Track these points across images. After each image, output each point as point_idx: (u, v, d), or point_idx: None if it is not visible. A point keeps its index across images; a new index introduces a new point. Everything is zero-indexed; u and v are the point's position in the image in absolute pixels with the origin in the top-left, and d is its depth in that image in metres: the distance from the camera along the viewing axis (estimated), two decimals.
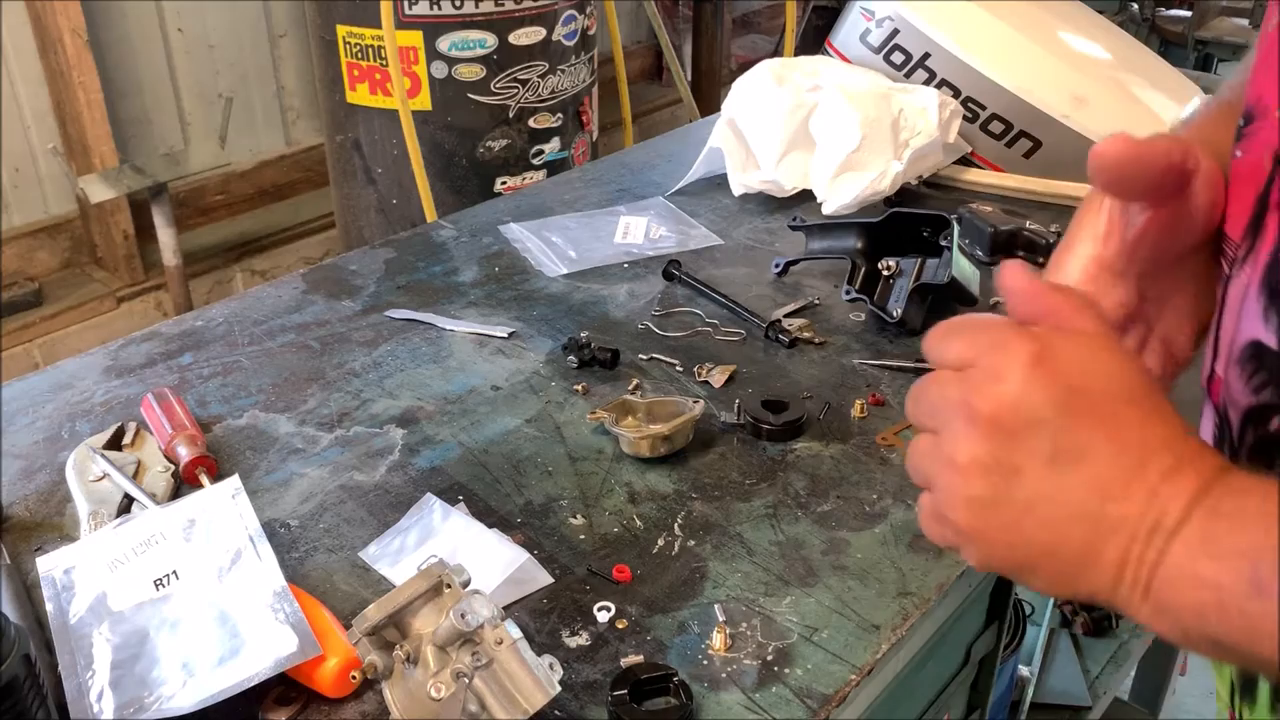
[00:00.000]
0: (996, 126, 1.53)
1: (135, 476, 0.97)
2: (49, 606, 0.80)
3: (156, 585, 0.80)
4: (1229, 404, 0.62)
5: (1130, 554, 0.50)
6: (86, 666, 0.75)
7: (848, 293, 1.23)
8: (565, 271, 1.36)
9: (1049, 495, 0.52)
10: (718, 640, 0.80)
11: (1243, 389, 0.60)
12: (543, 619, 0.83)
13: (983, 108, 1.52)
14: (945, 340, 0.56)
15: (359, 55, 2.55)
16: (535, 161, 2.71)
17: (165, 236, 2.92)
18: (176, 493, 0.96)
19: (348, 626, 0.75)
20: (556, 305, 1.28)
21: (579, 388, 1.12)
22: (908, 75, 1.56)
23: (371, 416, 1.08)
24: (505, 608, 0.83)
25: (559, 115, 2.71)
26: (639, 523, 0.93)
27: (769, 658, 0.79)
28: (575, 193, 1.60)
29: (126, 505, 0.93)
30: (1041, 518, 0.52)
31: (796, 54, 1.68)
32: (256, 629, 0.76)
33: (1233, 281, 0.62)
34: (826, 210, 1.45)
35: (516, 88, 2.59)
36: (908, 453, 0.57)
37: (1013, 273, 0.56)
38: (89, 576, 0.81)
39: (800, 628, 0.82)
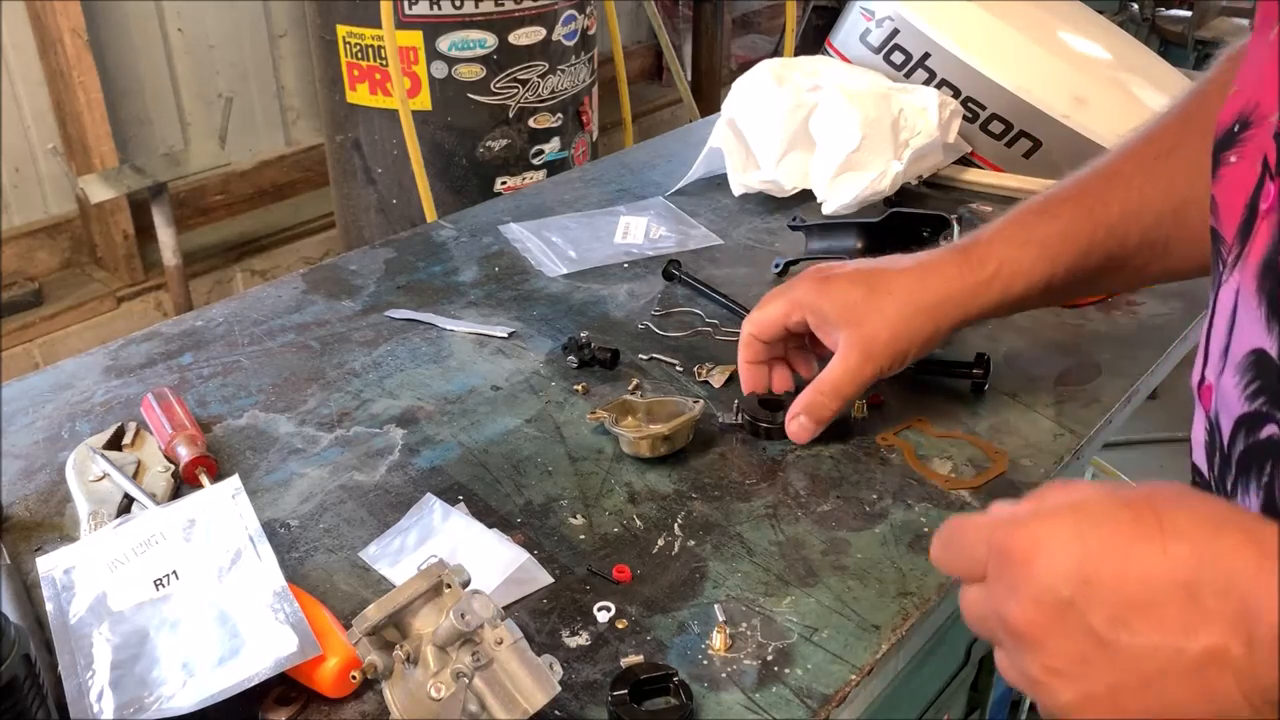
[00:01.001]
0: (996, 126, 1.53)
1: (135, 476, 0.97)
2: (49, 606, 0.80)
3: (156, 585, 0.80)
4: (1221, 410, 0.62)
5: (1243, 676, 0.46)
6: (86, 666, 0.75)
7: None
8: (565, 271, 1.36)
9: (1125, 665, 0.49)
10: (718, 640, 0.80)
11: (1238, 396, 0.59)
12: (543, 619, 0.83)
13: (983, 108, 1.52)
14: (948, 556, 0.59)
15: (359, 55, 2.55)
16: (535, 161, 2.71)
17: (165, 236, 2.92)
18: (176, 493, 0.96)
19: (348, 626, 0.75)
20: (556, 305, 1.28)
21: (579, 388, 1.12)
22: (908, 75, 1.56)
23: (371, 416, 1.08)
24: (505, 608, 0.83)
25: (559, 115, 2.72)
26: (639, 523, 0.93)
27: (769, 658, 0.79)
28: (575, 193, 1.60)
29: (126, 505, 0.93)
30: (1135, 688, 0.49)
31: (796, 54, 1.67)
32: (256, 629, 0.76)
33: (1224, 285, 0.62)
34: (826, 210, 1.45)
35: (516, 88, 2.59)
36: (966, 611, 0.57)
37: None
38: (89, 576, 0.81)
39: (800, 628, 0.82)
